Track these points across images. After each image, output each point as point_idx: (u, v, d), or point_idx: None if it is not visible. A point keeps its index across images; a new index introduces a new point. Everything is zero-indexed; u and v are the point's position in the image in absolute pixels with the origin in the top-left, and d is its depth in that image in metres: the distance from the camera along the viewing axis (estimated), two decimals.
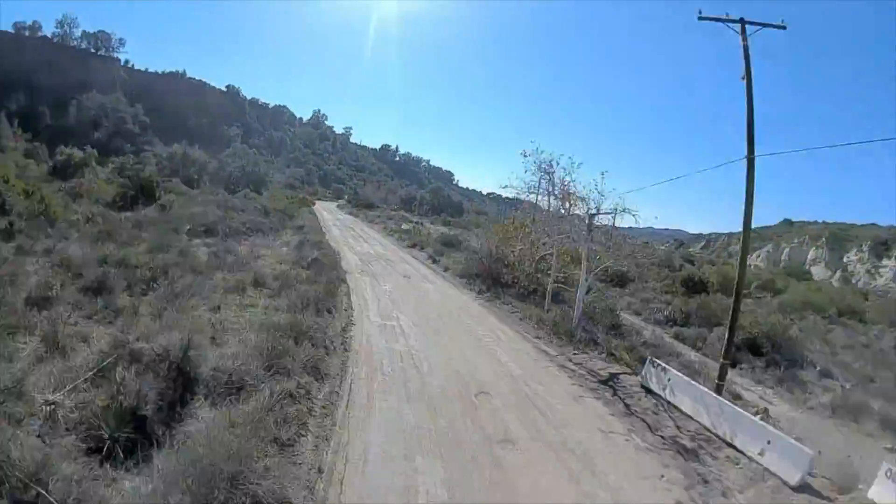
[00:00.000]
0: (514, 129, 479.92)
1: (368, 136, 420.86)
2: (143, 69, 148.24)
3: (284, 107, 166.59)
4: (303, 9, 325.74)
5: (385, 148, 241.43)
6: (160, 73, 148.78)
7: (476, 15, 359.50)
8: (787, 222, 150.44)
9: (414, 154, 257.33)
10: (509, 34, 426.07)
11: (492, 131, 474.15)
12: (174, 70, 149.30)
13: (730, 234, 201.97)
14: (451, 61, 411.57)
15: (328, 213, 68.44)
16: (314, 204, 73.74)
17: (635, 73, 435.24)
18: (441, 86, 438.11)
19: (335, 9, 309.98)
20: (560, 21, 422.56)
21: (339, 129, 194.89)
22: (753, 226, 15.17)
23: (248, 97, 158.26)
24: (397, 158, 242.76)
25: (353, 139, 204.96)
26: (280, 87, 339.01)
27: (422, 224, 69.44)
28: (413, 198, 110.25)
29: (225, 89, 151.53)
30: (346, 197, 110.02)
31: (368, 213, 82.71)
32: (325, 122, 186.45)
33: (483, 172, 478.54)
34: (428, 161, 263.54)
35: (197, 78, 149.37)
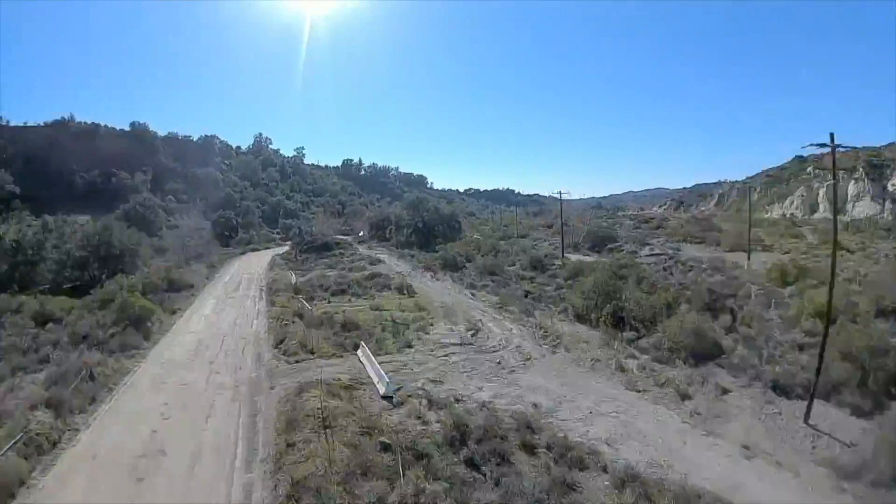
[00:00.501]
0: (484, 121, 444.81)
1: (329, 155, 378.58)
2: (20, 124, 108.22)
3: (213, 137, 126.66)
4: (227, 28, 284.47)
5: (347, 163, 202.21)
6: (40, 125, 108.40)
7: (423, 12, 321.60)
8: (800, 159, 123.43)
9: (381, 164, 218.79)
10: (461, 30, 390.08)
11: (461, 127, 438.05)
12: (59, 118, 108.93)
13: (743, 184, 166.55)
14: (407, 62, 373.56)
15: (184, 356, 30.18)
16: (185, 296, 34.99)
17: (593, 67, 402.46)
18: (399, 89, 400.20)
19: (266, 23, 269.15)
20: (514, 16, 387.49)
21: (289, 153, 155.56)
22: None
23: (163, 133, 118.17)
24: (362, 172, 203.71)
25: (307, 160, 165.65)
26: (214, 117, 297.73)
27: (410, 293, 31.77)
28: (386, 219, 71.96)
29: (128, 129, 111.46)
30: (293, 239, 71.09)
31: (314, 271, 44.74)
32: (270, 146, 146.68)
33: (456, 170, 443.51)
34: (397, 168, 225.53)
35: (88, 122, 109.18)
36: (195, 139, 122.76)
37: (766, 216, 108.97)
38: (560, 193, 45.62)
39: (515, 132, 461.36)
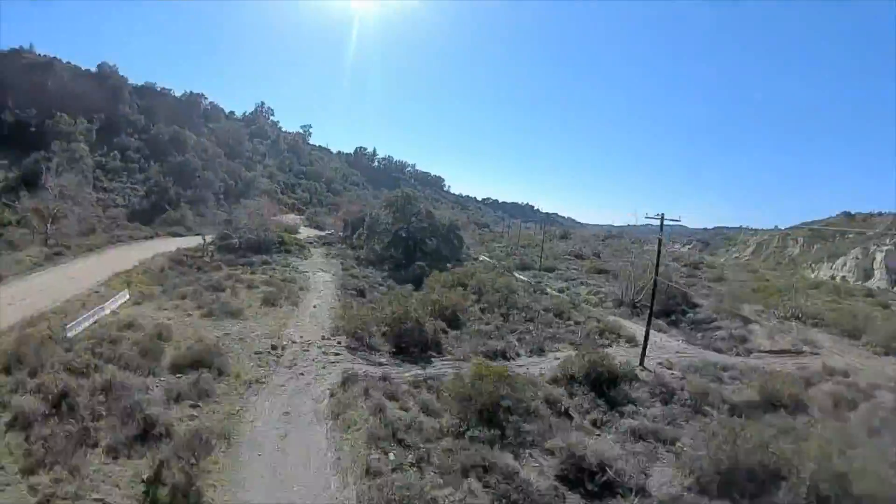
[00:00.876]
0: (510, 133, 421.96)
1: (344, 142, 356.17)
2: None
3: (199, 95, 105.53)
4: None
5: (360, 151, 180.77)
6: None
7: (461, 16, 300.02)
8: (847, 216, 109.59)
9: (397, 158, 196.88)
10: (499, 36, 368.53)
11: (486, 134, 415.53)
12: (17, 47, 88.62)
13: (784, 234, 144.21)
14: (439, 64, 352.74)
15: None
16: None
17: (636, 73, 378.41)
18: (428, 89, 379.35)
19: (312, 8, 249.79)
20: (551, 22, 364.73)
21: (293, 128, 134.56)
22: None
23: (139, 83, 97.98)
24: (375, 164, 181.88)
25: (313, 141, 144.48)
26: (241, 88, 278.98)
27: None
28: (360, 221, 49.73)
29: (94, 70, 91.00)
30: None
31: (177, 291, 22.76)
32: (271, 117, 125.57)
33: (476, 177, 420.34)
34: (413, 165, 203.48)
35: (48, 55, 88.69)
36: (177, 94, 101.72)
37: (813, 275, 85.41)
38: (661, 221, 21.75)
39: (541, 148, 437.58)
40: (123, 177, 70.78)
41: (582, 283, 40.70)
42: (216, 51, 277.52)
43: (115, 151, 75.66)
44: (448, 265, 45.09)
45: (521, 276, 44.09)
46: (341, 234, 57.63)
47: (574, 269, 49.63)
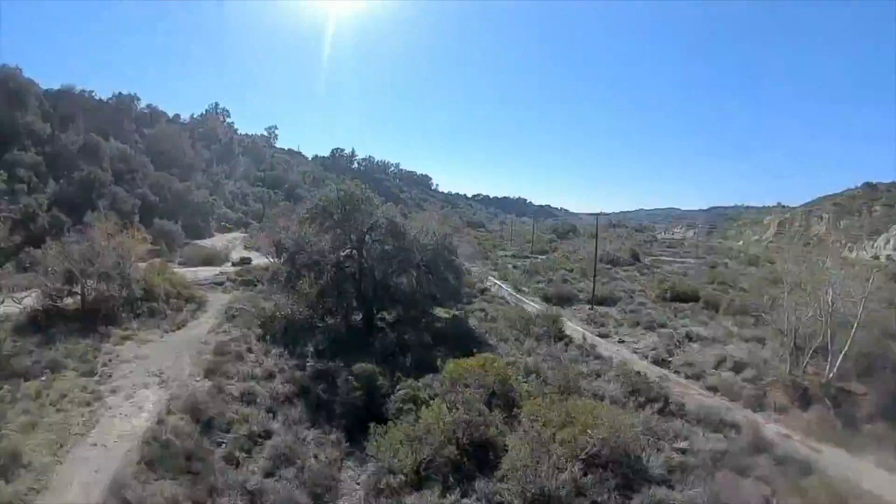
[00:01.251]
0: (494, 124, 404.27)
1: (325, 145, 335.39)
2: None
3: (131, 96, 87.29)
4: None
5: (338, 153, 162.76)
6: None
7: (438, 12, 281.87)
8: (869, 186, 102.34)
9: (378, 159, 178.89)
10: (477, 28, 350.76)
11: (471, 129, 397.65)
12: None
13: (802, 210, 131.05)
14: (418, 60, 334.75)
15: None
16: None
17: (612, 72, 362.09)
18: (409, 86, 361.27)
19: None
20: (532, 21, 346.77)
21: (257, 131, 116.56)
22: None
23: (55, 86, 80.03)
24: (354, 165, 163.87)
25: (281, 144, 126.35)
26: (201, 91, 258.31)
27: None
28: (284, 248, 31.30)
29: None
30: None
31: None
32: (227, 119, 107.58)
33: (465, 173, 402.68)
34: (397, 164, 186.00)
35: None
36: (102, 98, 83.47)
37: (853, 255, 73.08)
38: None
39: (527, 138, 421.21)
40: (2, 202, 53.00)
41: (689, 338, 23.33)
42: (191, 56, 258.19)
43: (1, 171, 57.65)
44: (437, 324, 27.48)
45: (576, 327, 27.00)
46: (278, 259, 39.81)
47: (638, 293, 32.32)
